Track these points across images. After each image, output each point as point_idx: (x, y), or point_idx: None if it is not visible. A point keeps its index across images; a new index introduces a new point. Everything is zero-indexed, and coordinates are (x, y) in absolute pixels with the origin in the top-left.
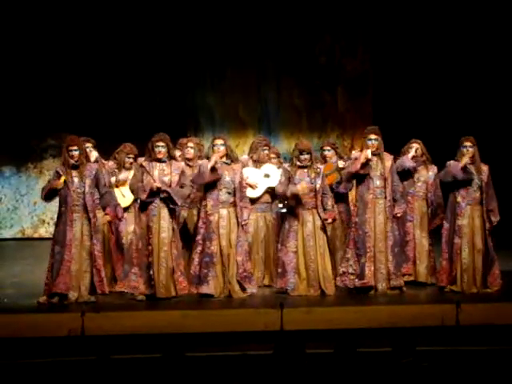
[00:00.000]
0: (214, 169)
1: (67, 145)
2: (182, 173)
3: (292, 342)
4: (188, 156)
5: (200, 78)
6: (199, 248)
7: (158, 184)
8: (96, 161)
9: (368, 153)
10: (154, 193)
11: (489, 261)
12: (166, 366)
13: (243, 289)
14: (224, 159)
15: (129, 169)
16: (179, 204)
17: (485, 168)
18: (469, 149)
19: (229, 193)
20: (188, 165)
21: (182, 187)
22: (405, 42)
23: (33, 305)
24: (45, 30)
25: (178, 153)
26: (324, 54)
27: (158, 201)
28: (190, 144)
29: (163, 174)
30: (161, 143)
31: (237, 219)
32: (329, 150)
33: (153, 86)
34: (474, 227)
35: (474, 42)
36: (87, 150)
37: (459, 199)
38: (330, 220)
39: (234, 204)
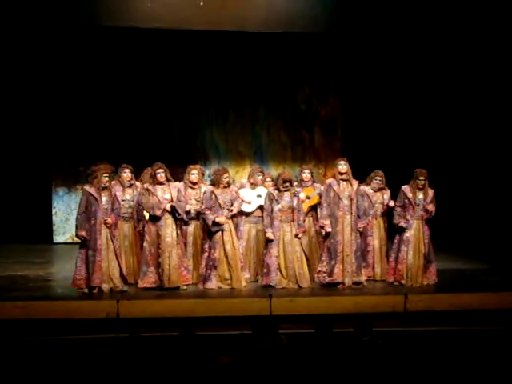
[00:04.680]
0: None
1: (101, 171)
2: (178, 191)
3: (268, 323)
4: (194, 180)
5: (208, 120)
6: (205, 254)
7: (172, 204)
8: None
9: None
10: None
11: (428, 261)
12: (181, 343)
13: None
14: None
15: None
16: (182, 215)
17: (430, 192)
18: (422, 181)
19: (228, 210)
20: (191, 187)
21: (180, 201)
22: (367, 92)
23: (79, 294)
24: (95, 73)
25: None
26: (304, 102)
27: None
28: (195, 171)
29: (164, 193)
30: (161, 170)
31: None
32: (308, 173)
33: (171, 127)
34: (419, 237)
35: (429, 88)
36: (124, 174)
37: (408, 217)
38: (300, 235)
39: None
